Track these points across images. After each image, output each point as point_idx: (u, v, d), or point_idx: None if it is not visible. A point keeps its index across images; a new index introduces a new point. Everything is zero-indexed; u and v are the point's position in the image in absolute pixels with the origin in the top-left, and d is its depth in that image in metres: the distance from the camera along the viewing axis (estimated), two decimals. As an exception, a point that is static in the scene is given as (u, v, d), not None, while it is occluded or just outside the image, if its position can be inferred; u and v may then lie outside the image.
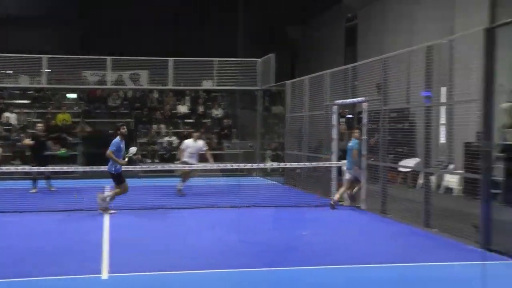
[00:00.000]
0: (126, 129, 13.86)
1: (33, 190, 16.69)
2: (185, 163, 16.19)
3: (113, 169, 13.34)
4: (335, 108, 15.71)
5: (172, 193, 15.97)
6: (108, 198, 13.49)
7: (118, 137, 13.50)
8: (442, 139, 15.56)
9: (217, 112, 26.41)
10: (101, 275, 7.81)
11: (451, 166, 15.33)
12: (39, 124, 18.48)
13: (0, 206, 13.65)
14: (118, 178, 13.44)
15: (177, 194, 15.99)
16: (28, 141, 17.43)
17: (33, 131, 19.50)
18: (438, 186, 15.87)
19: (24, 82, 24.33)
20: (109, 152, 13.20)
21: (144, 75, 25.07)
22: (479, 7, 16.57)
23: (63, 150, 17.58)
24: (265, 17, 30.15)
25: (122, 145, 13.46)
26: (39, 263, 8.56)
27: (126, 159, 13.39)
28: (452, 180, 15.18)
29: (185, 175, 16.31)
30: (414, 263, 8.66)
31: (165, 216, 13.21)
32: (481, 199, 9.39)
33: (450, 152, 15.22)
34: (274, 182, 20.30)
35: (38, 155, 16.93)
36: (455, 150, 14.72)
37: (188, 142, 16.71)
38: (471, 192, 10.16)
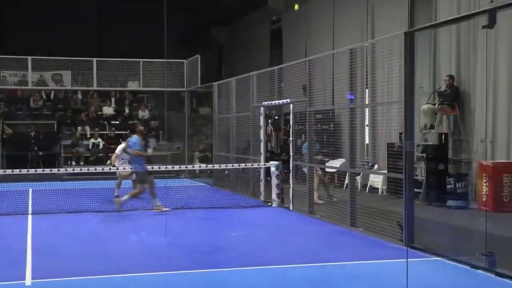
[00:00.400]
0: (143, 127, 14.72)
1: None
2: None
3: (140, 167, 13.49)
4: (262, 109, 15.81)
5: (97, 197, 15.62)
6: (125, 199, 13.58)
7: (135, 135, 13.78)
8: (367, 140, 15.95)
9: (144, 114, 26.10)
10: (25, 281, 7.59)
11: (376, 166, 15.73)
12: None
13: None
14: (144, 177, 13.52)
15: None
16: None
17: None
18: (365, 185, 16.23)
19: None
20: (136, 151, 13.45)
21: (67, 75, 24.49)
22: (398, 12, 17.10)
23: None
24: (191, 17, 30.00)
25: (142, 143, 13.86)
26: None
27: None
28: (376, 179, 15.56)
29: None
30: (339, 262, 8.80)
31: (90, 219, 12.95)
32: (404, 198, 9.65)
33: (374, 152, 15.62)
34: (203, 184, 20.24)
35: None
36: (379, 151, 15.12)
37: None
38: (395, 192, 10.43)
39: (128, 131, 20.82)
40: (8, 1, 29.87)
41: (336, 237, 10.88)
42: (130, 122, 25.42)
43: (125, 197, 13.67)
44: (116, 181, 15.82)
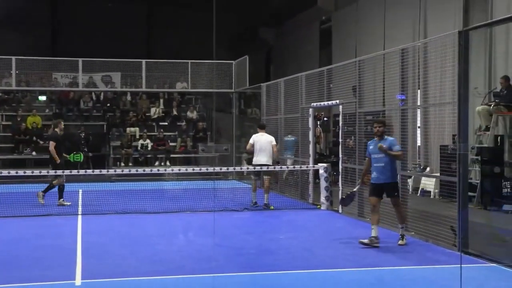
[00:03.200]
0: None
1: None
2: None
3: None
4: (310, 110, 15.75)
5: (146, 197, 15.84)
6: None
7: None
8: (418, 142, 15.73)
9: (192, 115, 26.33)
10: (74, 281, 7.73)
11: (428, 169, 15.48)
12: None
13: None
14: None
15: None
16: None
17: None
18: (416, 189, 16.00)
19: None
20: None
21: (116, 77, 24.92)
22: (452, 12, 16.80)
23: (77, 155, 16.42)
24: (239, 18, 30.14)
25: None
26: (13, 268, 8.44)
27: None
28: (428, 183, 15.31)
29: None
30: (390, 267, 8.72)
31: (138, 221, 13.12)
32: (458, 201, 9.46)
33: (426, 154, 15.38)
34: (250, 186, 20.24)
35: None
36: (431, 153, 14.88)
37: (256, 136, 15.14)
38: (448, 195, 10.24)
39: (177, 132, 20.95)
40: (61, 4, 30.59)
41: (387, 241, 10.73)
42: (178, 123, 25.69)
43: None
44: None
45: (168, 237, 11.30)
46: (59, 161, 14.80)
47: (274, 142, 14.88)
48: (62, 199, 14.92)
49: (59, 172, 14.64)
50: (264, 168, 14.60)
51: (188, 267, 8.66)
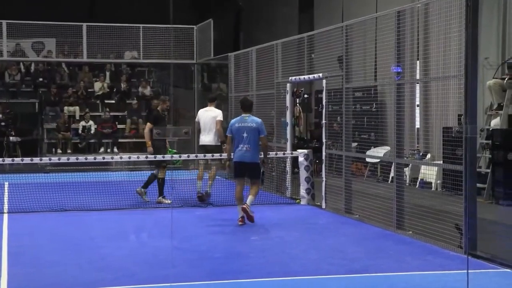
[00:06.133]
0: None
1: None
2: None
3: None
4: (288, 86, 15.76)
5: (89, 191, 15.73)
6: None
7: None
8: (417, 124, 15.84)
9: (145, 91, 26.16)
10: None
11: (428, 156, 15.62)
12: None
13: None
14: None
15: None
16: None
17: None
18: (414, 179, 16.14)
19: None
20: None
21: (50, 44, 24.61)
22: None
23: None
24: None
25: None
26: None
27: None
28: (429, 172, 15.45)
29: None
30: (382, 273, 8.77)
31: (79, 219, 13.08)
32: (464, 195, 9.56)
33: (427, 139, 15.50)
34: (216, 177, 20.24)
35: None
36: (433, 137, 14.99)
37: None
38: (452, 187, 10.34)
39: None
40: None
41: (379, 242, 10.83)
42: (127, 101, 25.53)
43: None
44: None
45: (116, 238, 11.25)
46: None
47: (220, 118, 14.89)
48: None
49: None
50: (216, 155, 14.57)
51: (140, 274, 8.63)
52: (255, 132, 12.14)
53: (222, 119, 15.01)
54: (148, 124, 15.05)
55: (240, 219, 12.07)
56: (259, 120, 12.41)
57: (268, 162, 13.32)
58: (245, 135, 12.09)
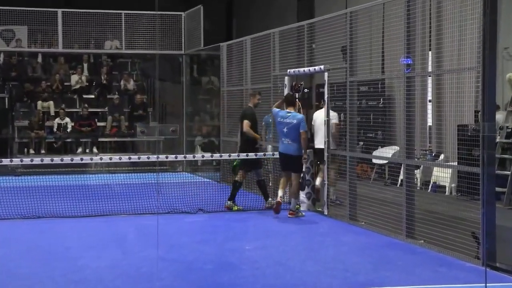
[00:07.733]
0: None
1: None
2: None
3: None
4: (286, 79, 15.76)
5: (65, 195, 15.71)
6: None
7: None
8: (429, 121, 15.85)
9: (127, 85, 26.13)
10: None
11: (442, 157, 15.64)
12: None
13: None
14: None
15: None
16: None
17: None
18: (426, 183, 16.16)
19: None
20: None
21: (22, 32, 24.54)
22: None
23: None
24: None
25: None
26: None
27: None
28: (443, 175, 15.47)
29: None
30: (393, 286, 8.77)
31: (54, 227, 13.09)
32: (482, 200, 9.56)
33: (440, 137, 15.50)
34: (207, 180, 20.27)
35: None
36: (446, 135, 15.00)
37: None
38: (468, 191, 10.34)
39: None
40: None
41: (386, 252, 10.84)
42: (108, 96, 25.49)
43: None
44: None
45: (95, 248, 11.22)
46: None
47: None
48: None
49: None
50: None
51: (121, 288, 8.60)
52: (296, 127, 13.65)
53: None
54: (246, 122, 15.22)
55: (276, 205, 13.92)
56: (300, 116, 13.90)
57: (306, 157, 13.95)
58: (285, 130, 13.78)
